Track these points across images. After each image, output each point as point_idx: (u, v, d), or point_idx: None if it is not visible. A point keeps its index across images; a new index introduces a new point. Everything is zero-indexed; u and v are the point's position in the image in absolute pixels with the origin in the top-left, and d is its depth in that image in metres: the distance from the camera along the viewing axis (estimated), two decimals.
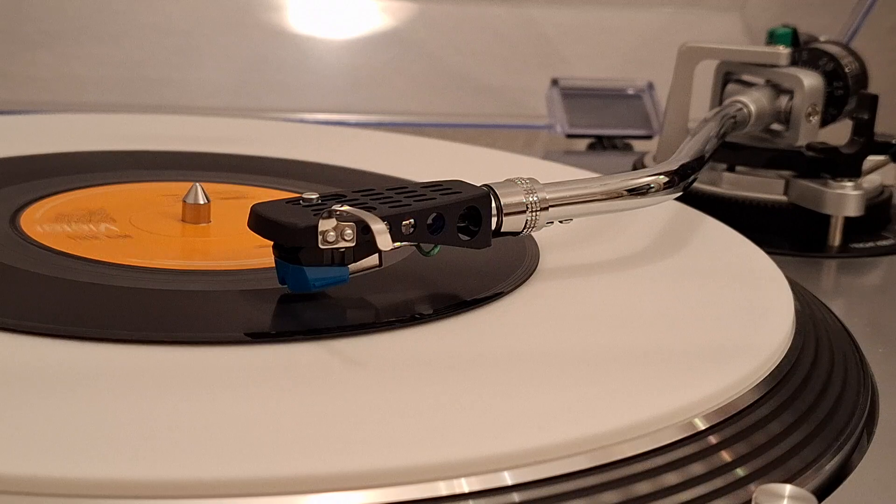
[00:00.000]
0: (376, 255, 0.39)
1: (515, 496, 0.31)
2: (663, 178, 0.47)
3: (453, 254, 0.42)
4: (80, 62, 0.81)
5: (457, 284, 0.43)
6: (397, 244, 0.40)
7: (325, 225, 0.37)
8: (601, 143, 0.79)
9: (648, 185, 0.47)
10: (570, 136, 0.79)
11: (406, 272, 0.43)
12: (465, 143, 0.69)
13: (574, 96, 0.80)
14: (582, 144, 0.81)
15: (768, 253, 0.51)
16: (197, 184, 0.47)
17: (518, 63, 0.85)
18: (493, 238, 0.42)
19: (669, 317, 0.43)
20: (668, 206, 0.54)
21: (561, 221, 0.44)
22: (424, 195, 0.40)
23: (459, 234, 0.41)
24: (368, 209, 0.39)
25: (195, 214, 0.46)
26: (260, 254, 0.43)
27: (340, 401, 0.34)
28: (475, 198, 0.41)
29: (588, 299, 0.44)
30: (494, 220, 0.41)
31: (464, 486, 0.31)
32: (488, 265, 0.44)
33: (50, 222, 0.46)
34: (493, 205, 0.41)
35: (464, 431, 0.33)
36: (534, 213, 0.42)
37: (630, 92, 0.81)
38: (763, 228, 0.60)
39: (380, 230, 0.37)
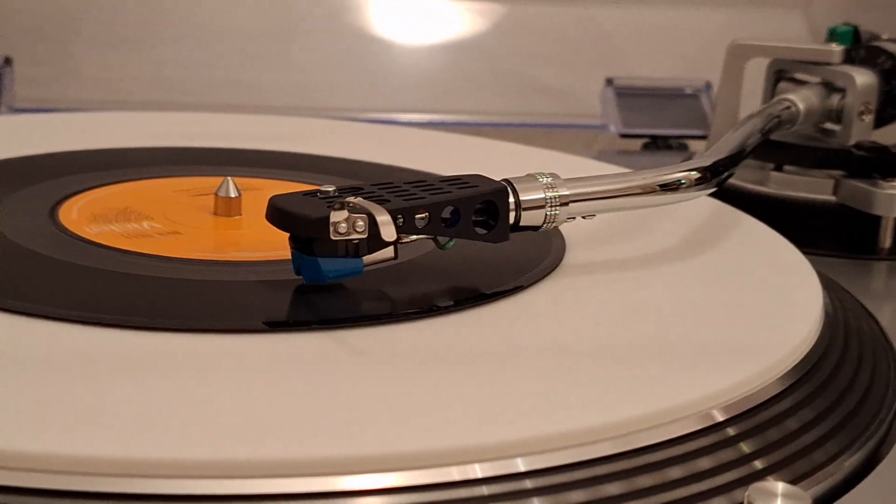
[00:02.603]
0: (391, 247, 0.40)
1: (528, 483, 0.32)
2: (695, 174, 0.47)
3: (477, 248, 0.42)
4: (146, 63, 0.83)
5: (477, 278, 0.43)
6: (413, 237, 0.40)
7: (337, 216, 0.38)
8: (656, 144, 0.79)
9: (679, 180, 0.47)
10: (623, 135, 0.79)
11: (427, 265, 0.43)
12: (523, 142, 0.69)
13: (629, 96, 0.79)
14: (639, 144, 0.81)
15: (816, 254, 0.50)
16: (229, 178, 0.48)
17: (577, 62, 0.85)
18: (511, 232, 0.42)
19: (692, 312, 0.43)
20: (707, 204, 0.54)
21: (584, 217, 0.44)
22: (441, 189, 0.41)
23: (476, 228, 0.41)
24: (383, 202, 0.39)
25: (226, 208, 0.47)
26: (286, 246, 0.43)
27: (355, 388, 0.35)
28: (491, 192, 0.41)
29: (610, 295, 0.44)
30: (512, 214, 0.42)
31: (477, 471, 0.31)
32: (512, 260, 0.44)
33: (86, 215, 0.47)
34: (512, 199, 0.42)
35: (478, 418, 0.33)
36: (553, 209, 0.42)
37: (688, 91, 0.81)
38: (811, 229, 0.59)
39: (384, 221, 0.37)
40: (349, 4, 0.85)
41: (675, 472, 0.34)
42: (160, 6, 0.84)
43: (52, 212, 0.47)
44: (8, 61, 0.74)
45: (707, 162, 0.48)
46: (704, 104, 0.80)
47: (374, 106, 0.81)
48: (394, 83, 0.85)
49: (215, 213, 0.47)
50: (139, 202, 0.49)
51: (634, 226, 0.50)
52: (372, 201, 0.39)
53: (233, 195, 0.47)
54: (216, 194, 0.47)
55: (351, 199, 0.38)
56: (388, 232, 0.37)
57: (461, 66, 0.85)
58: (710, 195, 0.53)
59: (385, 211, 0.37)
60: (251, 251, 0.44)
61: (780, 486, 0.31)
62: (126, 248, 0.44)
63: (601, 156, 0.77)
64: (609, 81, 0.80)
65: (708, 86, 0.81)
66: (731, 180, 0.60)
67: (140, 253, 0.43)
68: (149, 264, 0.42)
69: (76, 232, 0.45)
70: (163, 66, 0.83)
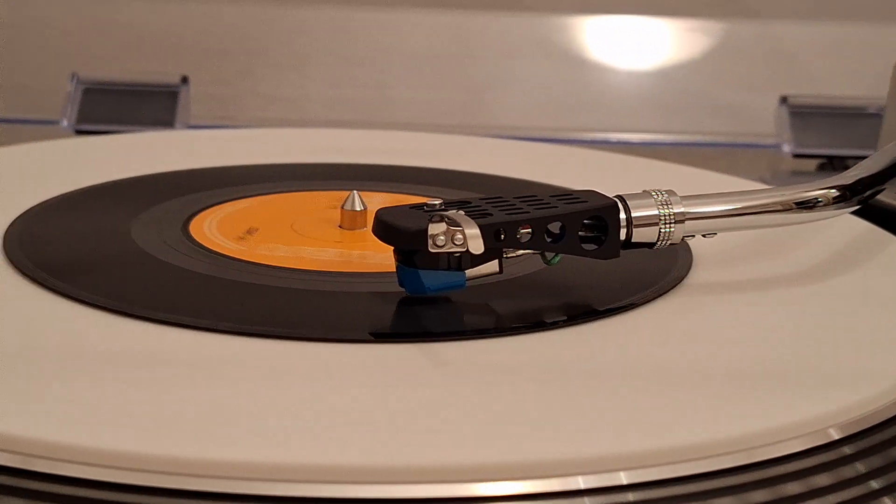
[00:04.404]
0: (496, 261, 0.39)
1: (630, 496, 0.32)
2: (833, 192, 0.45)
3: (596, 264, 0.42)
4: (324, 83, 0.85)
5: (592, 294, 0.43)
6: (520, 252, 0.40)
7: (435, 229, 0.38)
8: (832, 164, 0.76)
9: (816, 199, 0.45)
10: (797, 156, 0.76)
11: (541, 280, 0.43)
12: (699, 162, 0.67)
13: (804, 115, 0.77)
14: (815, 165, 0.78)
15: None
16: (355, 192, 0.48)
17: (756, 80, 0.83)
18: (624, 249, 0.41)
19: (814, 334, 0.41)
20: (854, 224, 0.51)
21: (704, 235, 0.43)
22: (549, 204, 0.40)
23: (585, 245, 0.41)
24: (485, 216, 0.39)
25: (351, 221, 0.48)
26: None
27: (459, 399, 0.35)
28: (600, 207, 0.40)
29: (729, 314, 0.42)
30: (623, 231, 0.41)
31: (580, 483, 0.31)
32: (632, 276, 0.43)
33: (217, 227, 0.48)
34: (623, 216, 0.41)
35: (584, 431, 0.33)
36: (668, 226, 0.41)
37: (870, 111, 0.77)
38: None
39: (472, 234, 0.37)
40: (513, 25, 0.85)
41: (761, 496, 0.32)
42: (343, 28, 0.86)
43: (185, 224, 0.48)
44: (185, 80, 0.77)
45: (848, 180, 0.46)
46: None
47: (550, 125, 0.81)
48: (570, 102, 0.84)
49: (340, 227, 0.48)
50: (269, 215, 0.50)
51: (771, 245, 0.49)
52: (473, 215, 0.39)
53: (358, 209, 0.48)
54: (342, 208, 0.48)
55: (451, 212, 0.38)
56: (476, 245, 0.37)
57: (639, 85, 0.84)
58: (862, 216, 0.51)
59: (475, 224, 0.37)
60: (371, 264, 0.45)
61: None
62: (250, 259, 0.45)
63: (775, 176, 0.75)
64: (783, 99, 0.78)
65: None
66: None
67: (262, 264, 0.44)
68: (270, 275, 0.43)
69: (204, 243, 0.46)
70: (341, 87, 0.85)
